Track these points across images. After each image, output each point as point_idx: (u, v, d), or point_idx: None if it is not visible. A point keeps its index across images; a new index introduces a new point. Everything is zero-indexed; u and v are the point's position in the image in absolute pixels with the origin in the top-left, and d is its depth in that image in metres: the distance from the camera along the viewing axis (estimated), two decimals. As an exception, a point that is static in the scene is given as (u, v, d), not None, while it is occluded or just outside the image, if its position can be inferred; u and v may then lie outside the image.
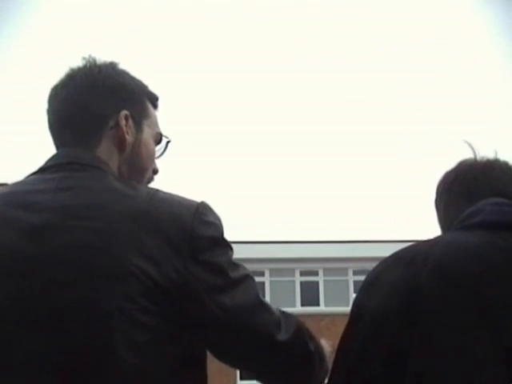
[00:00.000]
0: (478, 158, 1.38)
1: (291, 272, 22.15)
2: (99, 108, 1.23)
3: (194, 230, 1.11)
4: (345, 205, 32.66)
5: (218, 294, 1.10)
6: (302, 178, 31.97)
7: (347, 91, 33.24)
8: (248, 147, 31.84)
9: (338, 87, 35.76)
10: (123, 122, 1.24)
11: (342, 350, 1.17)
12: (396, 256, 1.18)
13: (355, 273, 22.68)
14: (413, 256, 1.12)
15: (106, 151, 1.23)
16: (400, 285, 1.09)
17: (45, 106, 1.29)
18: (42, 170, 1.20)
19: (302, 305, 22.04)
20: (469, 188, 1.33)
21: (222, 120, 32.63)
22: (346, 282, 22.33)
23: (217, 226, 1.17)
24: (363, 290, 1.19)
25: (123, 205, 1.10)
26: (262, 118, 32.13)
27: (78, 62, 1.27)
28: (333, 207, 32.23)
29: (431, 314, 1.03)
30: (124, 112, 1.24)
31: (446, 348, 1.01)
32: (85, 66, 1.27)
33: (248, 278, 1.18)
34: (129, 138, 1.25)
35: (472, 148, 1.39)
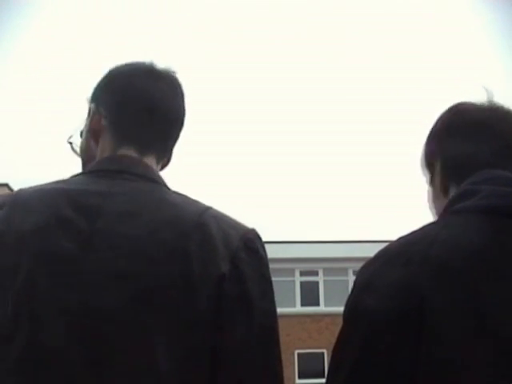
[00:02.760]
0: (480, 103, 1.25)
1: (291, 272, 22.14)
2: (181, 126, 1.27)
3: (238, 252, 1.08)
4: (344, 205, 32.63)
5: (238, 331, 1.05)
6: (303, 178, 31.94)
7: (351, 91, 33.21)
8: (248, 147, 31.83)
9: (341, 88, 35.72)
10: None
11: (338, 356, 1.12)
12: (389, 255, 1.14)
13: (355, 273, 22.46)
14: (409, 257, 1.07)
15: (166, 160, 1.27)
16: (398, 285, 1.05)
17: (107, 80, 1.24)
18: (91, 172, 1.17)
19: (302, 305, 22.03)
20: (468, 133, 1.21)
21: (225, 120, 32.61)
22: (346, 281, 22.29)
23: (262, 258, 1.13)
24: (357, 291, 1.13)
25: (171, 215, 1.08)
26: (263, 118, 32.11)
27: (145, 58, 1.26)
28: (332, 207, 32.20)
29: (433, 316, 1.01)
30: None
31: (450, 351, 1.00)
32: (168, 75, 1.26)
33: (274, 333, 1.11)
34: None
35: (487, 91, 1.26)
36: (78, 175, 1.17)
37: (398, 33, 36.40)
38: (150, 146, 1.21)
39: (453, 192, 1.20)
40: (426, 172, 1.31)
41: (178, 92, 1.26)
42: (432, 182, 1.29)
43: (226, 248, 1.07)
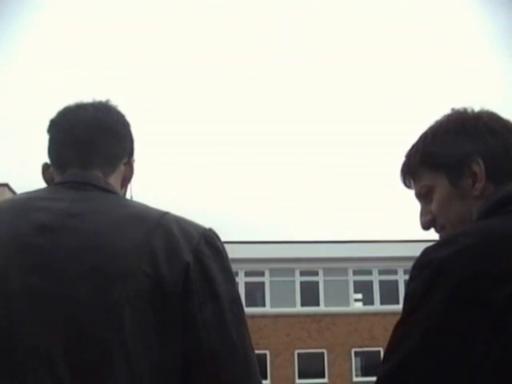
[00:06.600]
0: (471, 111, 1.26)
1: (291, 272, 22.12)
2: (125, 140, 1.31)
3: (199, 246, 1.15)
4: (344, 205, 32.65)
5: (206, 324, 1.10)
6: (302, 178, 31.97)
7: (347, 91, 33.23)
8: (248, 147, 31.83)
9: (336, 87, 35.74)
10: (133, 164, 1.33)
11: (408, 322, 1.05)
12: (481, 233, 1.08)
13: (355, 273, 22.63)
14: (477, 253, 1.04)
15: (114, 182, 1.29)
16: (467, 274, 1.01)
17: (48, 122, 1.30)
18: (58, 184, 1.24)
19: (302, 305, 22.01)
20: (505, 136, 1.21)
21: (224, 120, 32.62)
22: (346, 282, 22.31)
23: (223, 254, 1.19)
24: (424, 280, 1.06)
25: (136, 216, 1.16)
26: (263, 118, 32.13)
27: (87, 99, 1.31)
28: (332, 207, 32.23)
29: (503, 304, 0.98)
30: (134, 157, 1.33)
31: None
32: (100, 103, 1.31)
33: (242, 321, 1.16)
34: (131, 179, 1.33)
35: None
36: (46, 188, 1.26)
37: (397, 33, 36.42)
38: (91, 164, 1.26)
39: (490, 192, 1.18)
40: (441, 173, 1.25)
41: (119, 121, 1.31)
42: (456, 183, 1.23)
43: (187, 242, 1.14)
